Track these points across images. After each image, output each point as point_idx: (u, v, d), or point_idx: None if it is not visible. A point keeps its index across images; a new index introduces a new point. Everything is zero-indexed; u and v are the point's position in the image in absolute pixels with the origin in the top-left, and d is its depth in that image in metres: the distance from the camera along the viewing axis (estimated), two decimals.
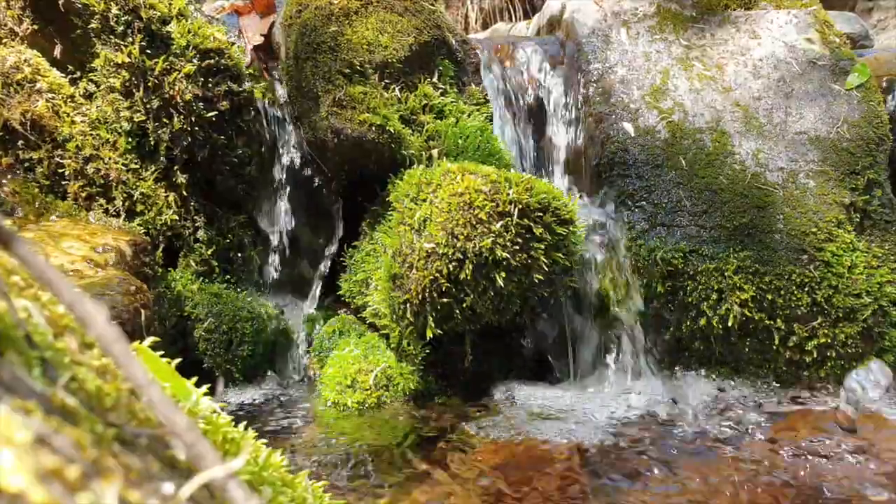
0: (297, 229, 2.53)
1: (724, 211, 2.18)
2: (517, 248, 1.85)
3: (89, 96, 2.38)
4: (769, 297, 2.10)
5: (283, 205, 2.50)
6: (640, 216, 2.20)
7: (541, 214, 1.88)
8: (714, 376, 2.18)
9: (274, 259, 2.52)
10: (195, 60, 2.22)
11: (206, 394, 0.58)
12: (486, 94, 2.48)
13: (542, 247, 1.89)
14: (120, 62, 2.18)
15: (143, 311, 1.78)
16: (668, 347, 2.20)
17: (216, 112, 2.26)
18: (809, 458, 1.71)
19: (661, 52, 2.44)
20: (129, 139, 2.31)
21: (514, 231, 1.84)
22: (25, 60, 2.30)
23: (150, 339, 0.59)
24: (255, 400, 2.26)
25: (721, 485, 1.58)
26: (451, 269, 1.85)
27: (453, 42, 2.47)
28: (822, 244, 2.15)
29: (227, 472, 0.34)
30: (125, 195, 2.34)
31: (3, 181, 2.22)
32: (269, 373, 2.40)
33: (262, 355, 2.38)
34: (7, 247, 0.37)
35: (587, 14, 2.51)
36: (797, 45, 2.43)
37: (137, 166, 2.34)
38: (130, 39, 2.17)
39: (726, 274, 2.11)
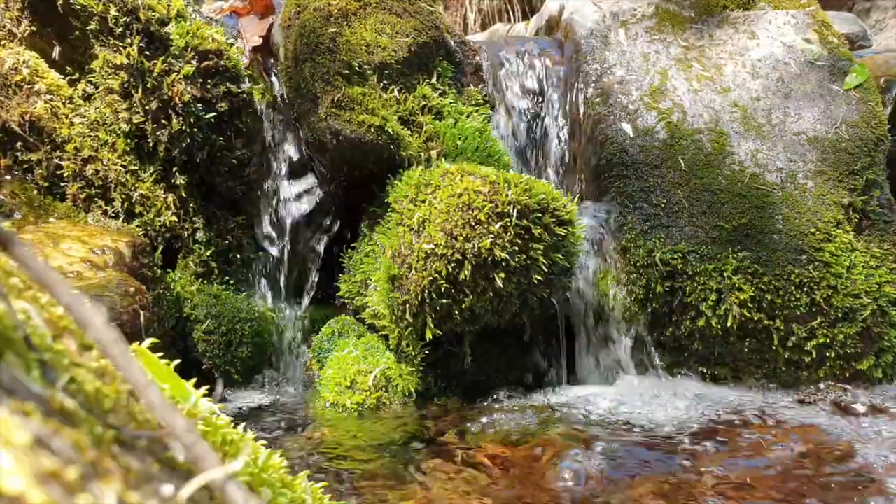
0: (294, 228, 2.53)
1: (722, 211, 2.18)
2: (516, 248, 1.85)
3: (88, 98, 2.38)
4: (768, 297, 2.10)
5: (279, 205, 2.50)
6: (639, 217, 2.20)
7: (540, 215, 1.88)
8: (713, 377, 2.18)
9: (271, 260, 2.52)
10: (194, 62, 2.22)
11: (205, 395, 0.58)
12: (485, 95, 2.48)
13: (541, 247, 1.89)
14: (119, 63, 2.17)
15: (141, 313, 1.78)
16: (667, 348, 2.20)
17: (215, 113, 2.26)
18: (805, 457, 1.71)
19: (659, 52, 2.44)
20: (128, 140, 2.31)
21: (513, 232, 1.84)
22: (24, 62, 2.30)
23: (149, 341, 0.59)
24: (254, 401, 2.26)
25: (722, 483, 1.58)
26: (450, 269, 1.85)
27: (452, 43, 2.47)
28: (821, 244, 2.15)
29: (226, 474, 0.34)
30: (124, 196, 2.34)
31: (2, 183, 2.22)
32: (267, 374, 2.40)
33: (261, 356, 2.38)
34: (6, 248, 0.37)
35: (586, 15, 2.51)
36: (795, 46, 2.43)
37: (136, 168, 2.34)
38: (129, 41, 2.17)
39: (725, 274, 2.11)
